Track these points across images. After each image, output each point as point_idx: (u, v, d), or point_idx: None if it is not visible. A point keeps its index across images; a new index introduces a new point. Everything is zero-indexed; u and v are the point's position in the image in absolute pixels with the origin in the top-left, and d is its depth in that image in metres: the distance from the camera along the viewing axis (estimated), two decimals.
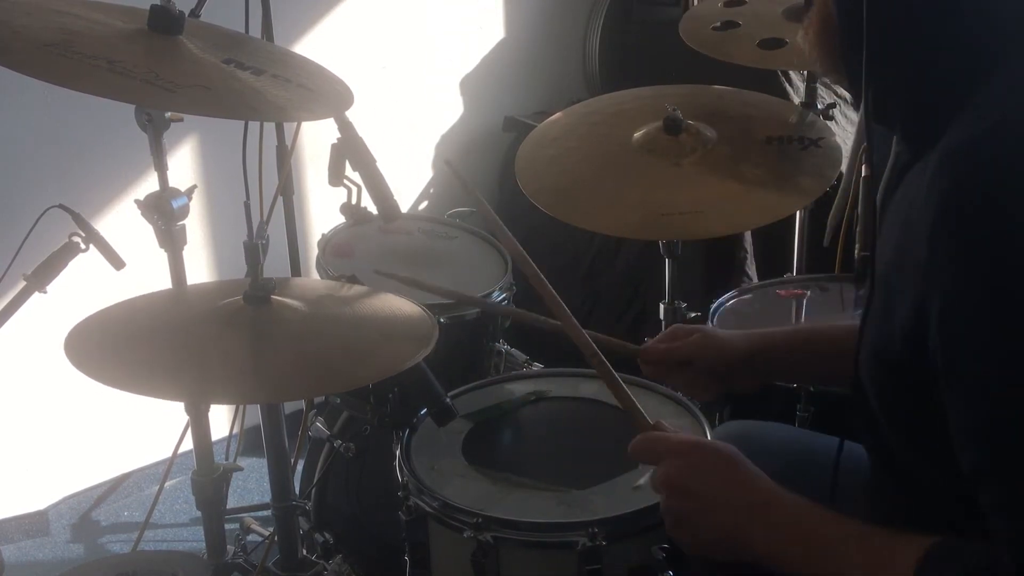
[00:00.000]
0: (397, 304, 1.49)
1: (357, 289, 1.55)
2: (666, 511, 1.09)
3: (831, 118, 2.12)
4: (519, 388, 1.61)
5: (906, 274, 0.95)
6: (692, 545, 1.09)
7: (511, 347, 2.08)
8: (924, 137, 0.99)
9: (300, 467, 2.06)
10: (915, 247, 0.92)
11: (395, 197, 1.60)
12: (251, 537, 2.25)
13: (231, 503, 1.87)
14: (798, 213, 2.21)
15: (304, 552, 1.79)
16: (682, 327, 1.51)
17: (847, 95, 2.64)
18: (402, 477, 1.38)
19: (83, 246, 1.59)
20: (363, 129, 1.56)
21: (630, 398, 1.21)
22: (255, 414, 1.78)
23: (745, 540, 1.03)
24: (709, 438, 1.40)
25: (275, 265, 1.61)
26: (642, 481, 1.33)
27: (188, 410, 1.69)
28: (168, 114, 1.55)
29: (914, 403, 0.98)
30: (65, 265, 1.59)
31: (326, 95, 1.49)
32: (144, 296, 1.52)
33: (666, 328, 1.82)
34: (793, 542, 1.01)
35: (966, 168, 0.88)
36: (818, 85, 2.16)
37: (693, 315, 1.97)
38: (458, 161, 3.23)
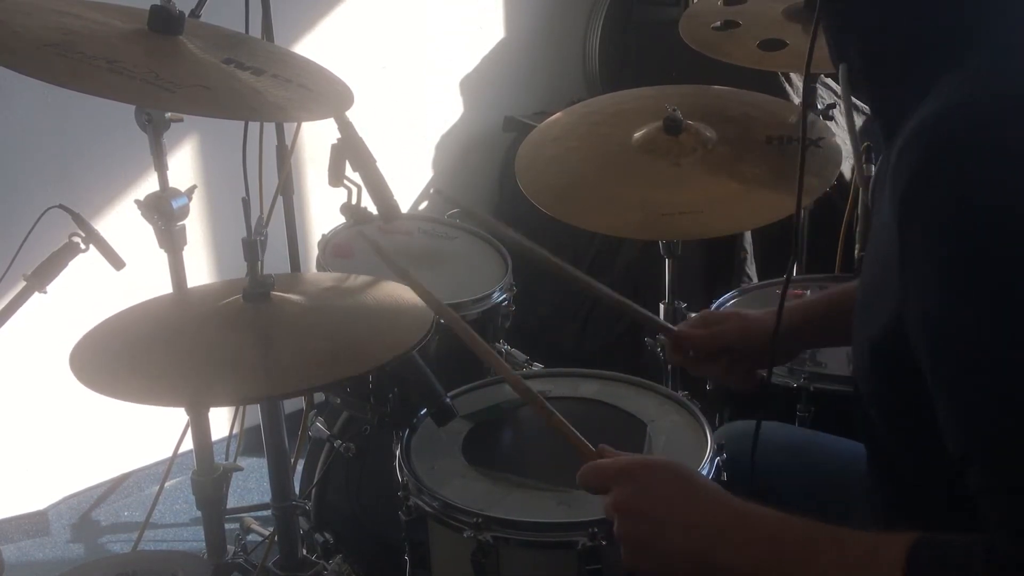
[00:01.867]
0: (397, 292, 1.49)
1: (357, 280, 1.55)
2: (622, 538, 1.04)
3: (831, 118, 2.12)
4: None
5: (887, 264, 0.94)
6: (654, 572, 1.04)
7: (511, 347, 2.07)
8: (896, 118, 0.98)
9: (300, 467, 2.06)
10: (889, 235, 0.91)
11: (395, 197, 1.60)
12: (251, 537, 2.25)
13: (231, 503, 1.87)
14: None
15: (304, 552, 1.79)
16: (712, 313, 1.50)
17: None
18: (402, 477, 1.38)
19: (83, 246, 1.59)
20: (363, 129, 1.56)
21: (567, 426, 1.16)
22: (255, 414, 1.77)
23: (712, 562, 0.98)
24: (708, 437, 1.40)
25: (275, 265, 1.61)
26: None
27: (188, 410, 1.70)
28: (168, 114, 1.55)
29: (903, 396, 0.97)
30: (65, 265, 1.59)
31: (326, 95, 1.49)
32: (144, 303, 1.52)
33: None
34: (767, 556, 0.97)
35: (929, 150, 0.86)
36: (818, 85, 2.16)
37: (693, 315, 1.97)
38: (458, 161, 3.24)
